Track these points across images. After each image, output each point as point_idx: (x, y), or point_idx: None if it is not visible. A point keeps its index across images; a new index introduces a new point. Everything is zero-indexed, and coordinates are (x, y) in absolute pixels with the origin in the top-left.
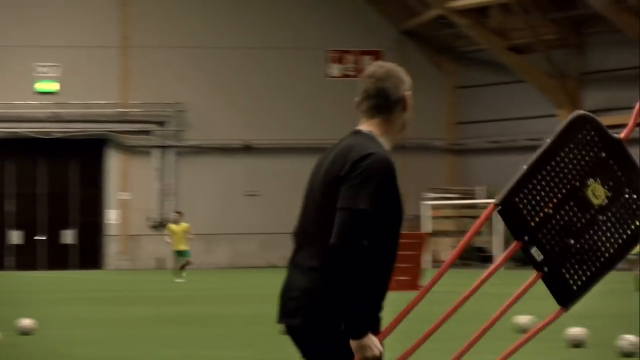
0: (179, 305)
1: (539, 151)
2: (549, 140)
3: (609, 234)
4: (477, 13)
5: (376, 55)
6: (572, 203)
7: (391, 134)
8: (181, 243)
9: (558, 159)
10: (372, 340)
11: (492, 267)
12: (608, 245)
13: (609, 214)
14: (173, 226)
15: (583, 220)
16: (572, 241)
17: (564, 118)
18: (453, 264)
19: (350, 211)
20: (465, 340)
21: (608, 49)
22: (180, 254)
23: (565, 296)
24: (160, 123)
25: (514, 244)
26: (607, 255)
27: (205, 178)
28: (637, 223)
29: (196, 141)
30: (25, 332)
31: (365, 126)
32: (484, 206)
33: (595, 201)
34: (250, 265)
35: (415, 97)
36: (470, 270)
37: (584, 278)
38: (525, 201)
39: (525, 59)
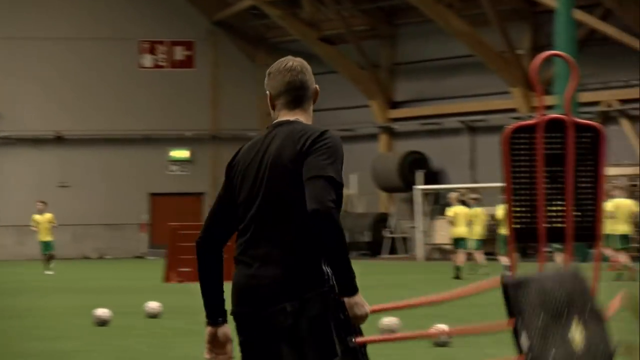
0: None
1: (549, 274)
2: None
3: None
4: (289, 4)
5: (188, 46)
6: (555, 328)
7: (309, 123)
8: (46, 234)
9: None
10: (361, 298)
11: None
12: None
13: None
14: (37, 216)
15: (561, 349)
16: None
17: (376, 108)
18: None
19: (322, 178)
20: None
21: (419, 40)
22: (45, 245)
23: None
24: None
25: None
26: None
27: (17, 169)
28: None
29: (7, 132)
30: None
31: (288, 117)
32: None
33: (575, 339)
34: (63, 256)
35: (228, 88)
36: None
37: None
38: (523, 295)
39: (337, 50)
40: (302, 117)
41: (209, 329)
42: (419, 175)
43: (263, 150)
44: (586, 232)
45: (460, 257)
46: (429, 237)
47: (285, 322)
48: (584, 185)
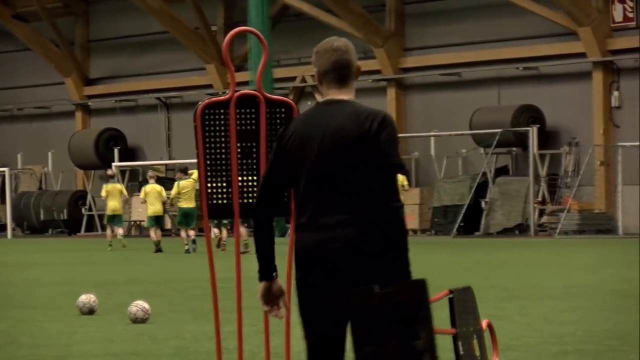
0: None
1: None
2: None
3: None
4: None
5: None
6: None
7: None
8: None
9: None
10: None
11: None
12: None
13: None
14: None
15: None
16: None
17: (72, 86)
18: None
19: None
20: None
21: (113, 17)
22: None
23: None
24: None
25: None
26: None
27: None
28: None
29: None
30: None
31: (338, 94)
32: None
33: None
34: None
35: None
36: None
37: None
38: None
39: (30, 28)
40: (350, 94)
41: (264, 284)
42: (116, 152)
43: (324, 125)
44: (282, 207)
45: (157, 233)
46: (127, 213)
47: (369, 302)
48: None
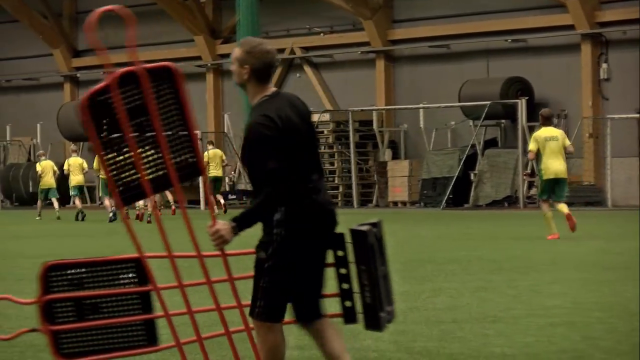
0: None
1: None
2: None
3: None
4: None
5: None
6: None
7: None
8: None
9: None
10: None
11: None
12: None
13: None
14: None
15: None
16: None
17: (60, 57)
18: None
19: None
20: None
21: None
22: None
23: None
24: None
25: None
26: None
27: None
28: None
29: None
30: None
31: (272, 87)
32: None
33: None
34: None
35: None
36: None
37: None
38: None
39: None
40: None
41: (234, 235)
42: None
43: (298, 109)
44: (190, 171)
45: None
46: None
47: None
48: (176, 128)
